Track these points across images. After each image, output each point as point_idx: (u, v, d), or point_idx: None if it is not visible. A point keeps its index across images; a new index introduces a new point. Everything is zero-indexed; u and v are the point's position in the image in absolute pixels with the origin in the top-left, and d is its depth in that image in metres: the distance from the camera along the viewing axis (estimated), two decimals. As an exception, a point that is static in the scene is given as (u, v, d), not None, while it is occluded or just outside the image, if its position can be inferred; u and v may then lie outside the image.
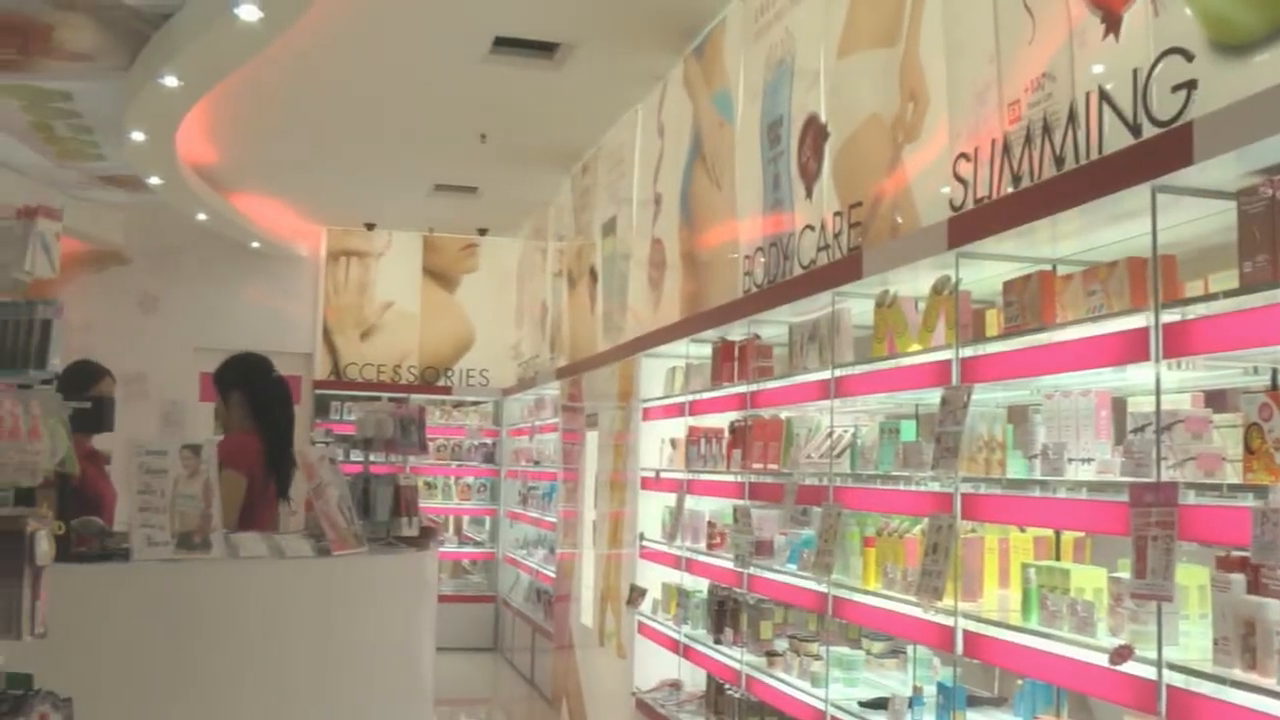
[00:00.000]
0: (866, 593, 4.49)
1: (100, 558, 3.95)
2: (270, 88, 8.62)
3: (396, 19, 7.42)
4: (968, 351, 3.93)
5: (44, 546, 2.82)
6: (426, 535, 4.94)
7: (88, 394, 5.20)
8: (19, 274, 3.00)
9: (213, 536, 4.02)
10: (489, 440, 13.55)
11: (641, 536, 7.25)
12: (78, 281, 12.98)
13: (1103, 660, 3.09)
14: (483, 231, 13.88)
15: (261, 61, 7.53)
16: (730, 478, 5.94)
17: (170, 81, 7.84)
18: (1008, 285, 3.75)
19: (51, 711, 2.87)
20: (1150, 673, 2.96)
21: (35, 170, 11.55)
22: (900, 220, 4.70)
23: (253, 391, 5.16)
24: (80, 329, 11.83)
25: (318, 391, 13.60)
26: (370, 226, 13.81)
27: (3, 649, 2.86)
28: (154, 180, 10.73)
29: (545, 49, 7.80)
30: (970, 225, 3.85)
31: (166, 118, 8.79)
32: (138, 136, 9.30)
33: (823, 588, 4.78)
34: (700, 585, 6.47)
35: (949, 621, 3.86)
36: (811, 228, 5.38)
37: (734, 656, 5.70)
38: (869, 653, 5.02)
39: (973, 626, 3.78)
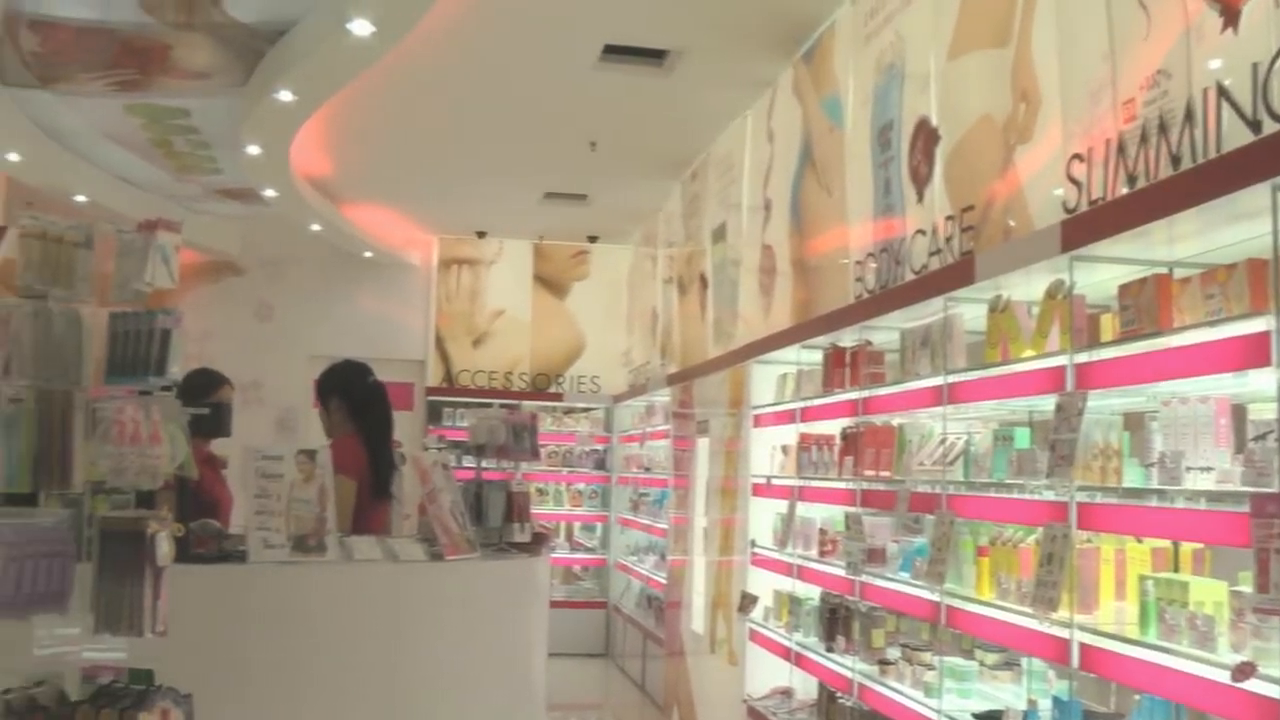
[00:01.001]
0: (980, 603, 4.42)
1: (218, 559, 4.04)
2: (382, 99, 8.75)
3: (507, 29, 7.48)
4: (1082, 357, 3.85)
5: (164, 548, 2.89)
6: (538, 541, 4.96)
7: (207, 400, 5.31)
8: (140, 285, 3.08)
9: (327, 539, 4.09)
10: (600, 447, 13.58)
11: (753, 543, 7.22)
12: (196, 292, 13.31)
13: (1224, 677, 2.99)
14: (593, 239, 13.94)
15: (373, 74, 7.65)
16: (842, 484, 5.89)
17: (285, 96, 8.00)
18: (1123, 289, 3.67)
19: (172, 707, 2.94)
20: (1274, 691, 2.86)
21: (155, 185, 11.86)
22: (1013, 223, 4.63)
23: (350, 397, 5.24)
24: (198, 338, 12.12)
25: (430, 398, 13.75)
26: (481, 235, 13.94)
27: (126, 645, 2.94)
28: (269, 192, 10.97)
29: (655, 56, 7.82)
30: (1084, 228, 3.78)
31: (281, 131, 8.98)
32: (253, 150, 9.50)
33: (935, 597, 4.72)
34: (812, 592, 6.42)
35: (1064, 634, 3.77)
36: (923, 232, 5.32)
37: (846, 665, 5.65)
38: (983, 664, 4.93)
39: (1089, 639, 3.69)
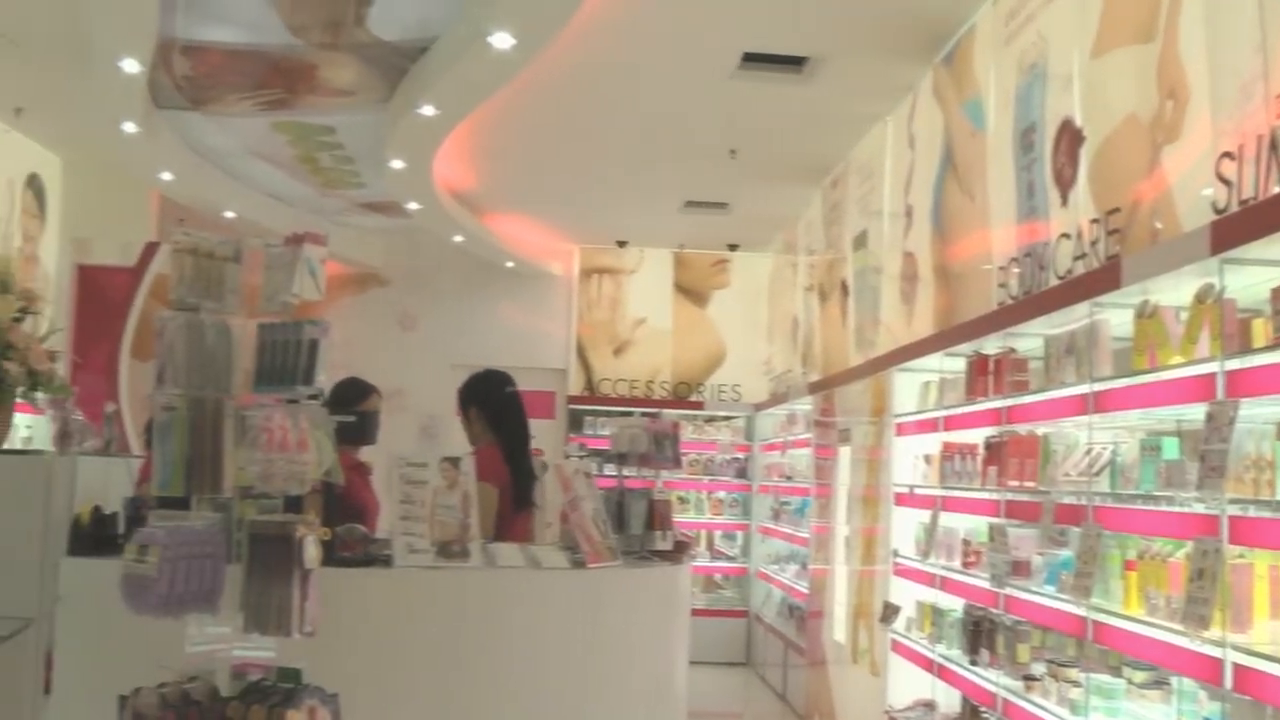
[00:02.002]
0: (1128, 618, 4.29)
1: (364, 563, 4.14)
2: (523, 111, 8.86)
3: (646, 38, 7.53)
4: (1233, 364, 3.72)
5: (312, 551, 2.98)
6: (680, 549, 4.97)
7: (355, 409, 5.44)
8: (288, 296, 3.17)
9: (471, 545, 4.17)
10: (741, 455, 13.54)
11: (895, 553, 7.14)
12: (341, 302, 13.63)
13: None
14: (733, 247, 13.93)
15: (514, 86, 7.76)
16: (985, 495, 5.79)
17: (428, 111, 8.17)
18: (1276, 292, 3.54)
19: (319, 705, 3.02)
20: None
21: (301, 200, 12.20)
22: (1160, 225, 4.51)
23: (488, 406, 5.32)
24: (344, 347, 12.39)
25: (572, 407, 13.87)
26: (622, 244, 14.02)
27: (275, 644, 3.03)
28: (412, 205, 11.20)
29: (794, 63, 7.80)
30: (1235, 229, 3.66)
31: (424, 145, 9.17)
32: (397, 164, 9.71)
33: (1082, 611, 4.60)
34: (955, 604, 6.32)
35: (1217, 653, 3.64)
36: (1067, 236, 5.22)
37: (990, 679, 5.54)
38: (1130, 682, 4.79)
39: (1243, 660, 3.54)
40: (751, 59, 7.74)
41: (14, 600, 3.72)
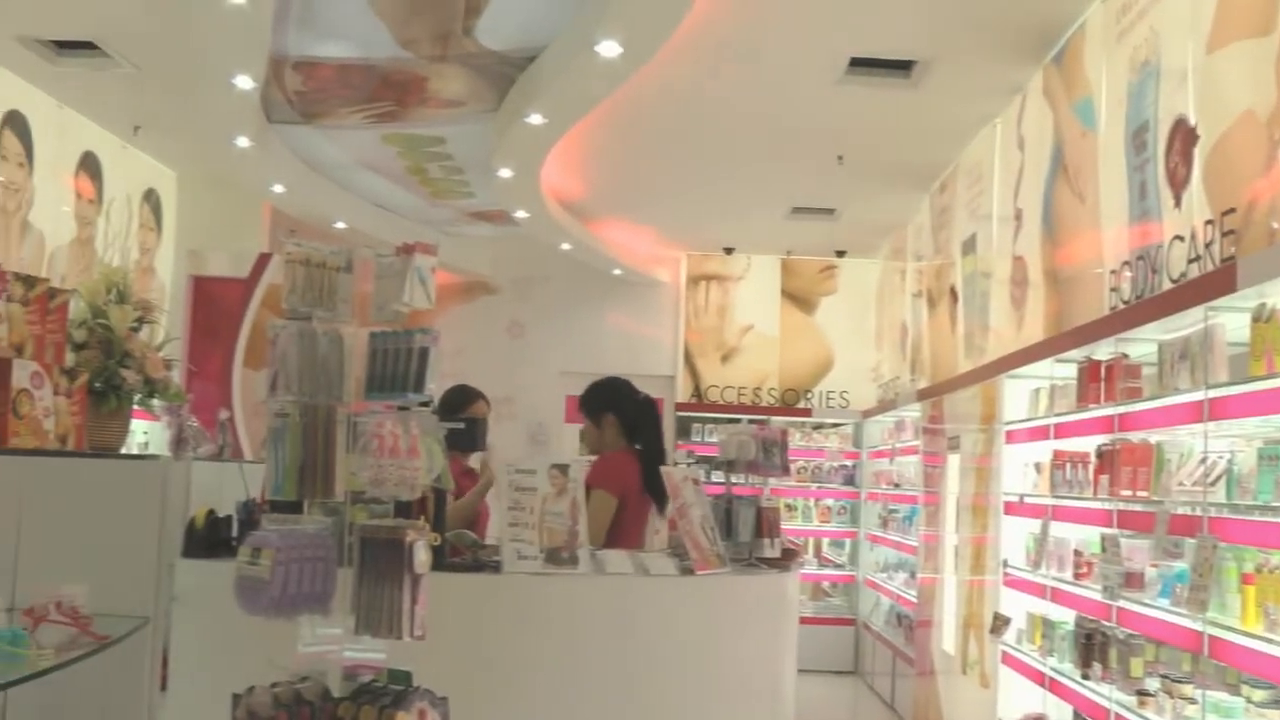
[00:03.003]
0: (1246, 634, 4.18)
1: (473, 568, 4.18)
2: (629, 118, 8.90)
3: (752, 45, 7.52)
4: (1357, 369, 3.63)
5: (422, 556, 3.02)
6: (788, 557, 4.95)
7: (462, 415, 5.51)
8: (399, 305, 3.22)
9: (580, 552, 4.19)
10: (849, 462, 13.46)
11: (1005, 563, 7.04)
12: (451, 311, 13.81)
13: None
14: (841, 253, 13.85)
15: (621, 93, 7.79)
16: (1097, 504, 5.68)
17: (535, 120, 8.24)
18: (1402, 296, 3.45)
19: (429, 708, 3.06)
20: None
21: (411, 210, 12.39)
22: (1278, 226, 4.40)
23: (624, 413, 5.36)
24: (453, 355, 12.55)
25: (679, 414, 13.87)
26: (729, 251, 14.02)
27: (385, 647, 3.08)
28: (520, 214, 11.29)
29: (901, 67, 7.74)
30: (1358, 231, 3.57)
31: (532, 154, 9.25)
32: (505, 174, 9.81)
33: (1198, 626, 4.49)
34: (1066, 616, 6.20)
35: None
36: (1181, 238, 5.11)
37: (1102, 694, 5.43)
38: (1249, 700, 4.65)
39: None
40: (859, 63, 7.70)
41: (132, 600, 3.81)
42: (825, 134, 9.23)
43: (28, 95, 8.93)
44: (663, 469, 4.91)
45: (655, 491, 5.15)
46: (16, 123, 8.86)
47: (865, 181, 10.51)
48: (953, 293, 9.58)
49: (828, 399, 13.97)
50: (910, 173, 10.19)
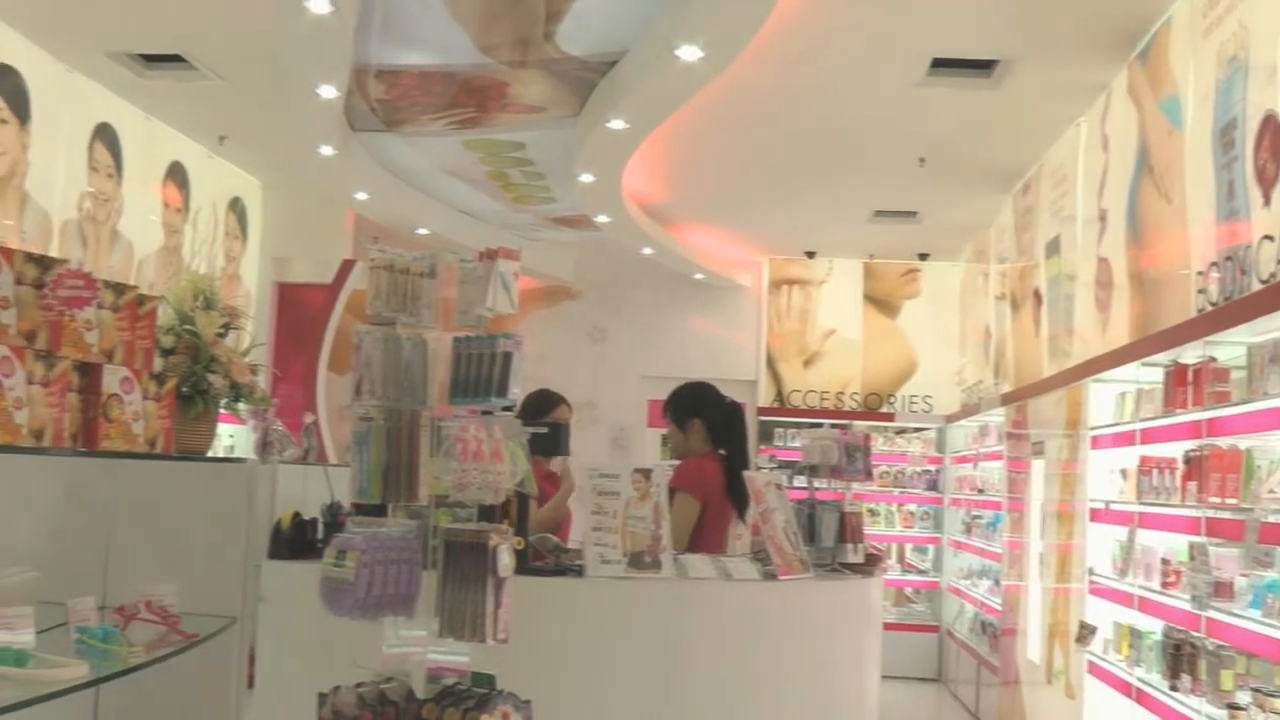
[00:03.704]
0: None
1: (556, 572, 4.21)
2: (710, 122, 8.89)
3: (833, 47, 7.49)
4: None
5: (505, 559, 3.04)
6: (871, 562, 4.92)
7: (545, 420, 5.55)
8: (482, 310, 3.24)
9: (663, 556, 4.20)
10: (932, 468, 13.35)
11: (1090, 571, 6.94)
12: (533, 316, 13.89)
13: None
14: (923, 256, 13.74)
15: (701, 97, 7.79)
16: (1185, 512, 5.57)
17: (617, 124, 8.26)
18: None
19: (513, 711, 3.08)
20: None
21: (493, 215, 12.47)
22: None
23: (711, 418, 5.37)
24: (536, 360, 12.56)
25: (761, 418, 13.85)
26: (811, 255, 13.97)
27: (469, 650, 3.11)
28: (602, 219, 11.33)
29: (983, 67, 7.66)
30: None
31: (613, 159, 9.27)
32: (587, 179, 9.84)
33: (1290, 635, 4.41)
34: (1154, 626, 6.09)
35: None
36: (1270, 238, 4.99)
37: (1191, 706, 5.31)
38: (1345, 711, 4.57)
39: None
40: (940, 64, 7.63)
41: (219, 599, 3.88)
42: (907, 136, 9.16)
43: (117, 108, 9.13)
44: (745, 473, 4.91)
45: (738, 496, 5.16)
46: (106, 135, 9.07)
47: (947, 183, 10.41)
48: (1036, 295, 9.46)
49: (910, 403, 13.87)
50: (993, 174, 10.08)
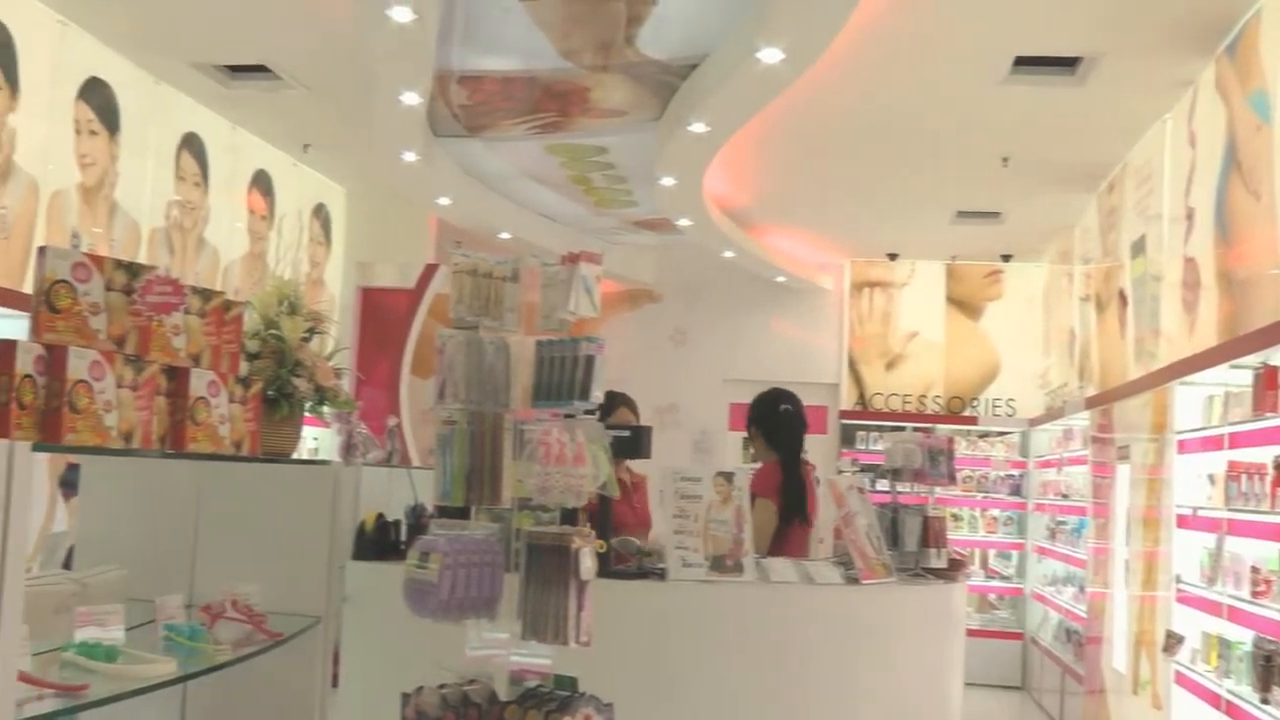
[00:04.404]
0: None
1: (638, 575, 4.21)
2: (791, 124, 8.85)
3: (914, 47, 7.43)
4: None
5: (587, 562, 3.05)
6: (955, 568, 4.88)
7: (606, 421, 5.57)
8: (564, 314, 3.25)
9: (745, 560, 4.19)
10: (1016, 472, 13.19)
11: (1177, 579, 6.81)
12: (616, 319, 13.92)
13: None
14: (1006, 258, 13.58)
15: (782, 99, 7.76)
16: (1276, 519, 5.46)
17: (698, 128, 8.25)
18: None
19: (595, 714, 3.08)
20: None
21: (574, 219, 12.52)
22: None
23: (763, 424, 5.42)
24: (618, 362, 12.58)
25: (843, 421, 13.79)
26: (893, 257, 13.87)
27: (551, 652, 3.12)
28: (683, 222, 11.33)
29: (1067, 64, 7.55)
30: None
31: (695, 162, 9.26)
32: (668, 182, 9.84)
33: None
34: (1244, 636, 5.95)
35: None
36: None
37: (1284, 717, 5.22)
38: None
39: None
40: (1023, 62, 7.54)
41: (304, 599, 3.93)
42: (990, 135, 9.07)
43: (203, 118, 9.30)
44: (829, 478, 4.91)
45: (791, 503, 5.15)
46: (193, 144, 9.23)
47: (1031, 183, 10.29)
48: (1121, 296, 9.31)
49: (994, 407, 13.71)
50: (1077, 173, 9.94)
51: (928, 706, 4.51)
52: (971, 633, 7.64)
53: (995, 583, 13.08)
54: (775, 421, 5.45)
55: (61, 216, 7.63)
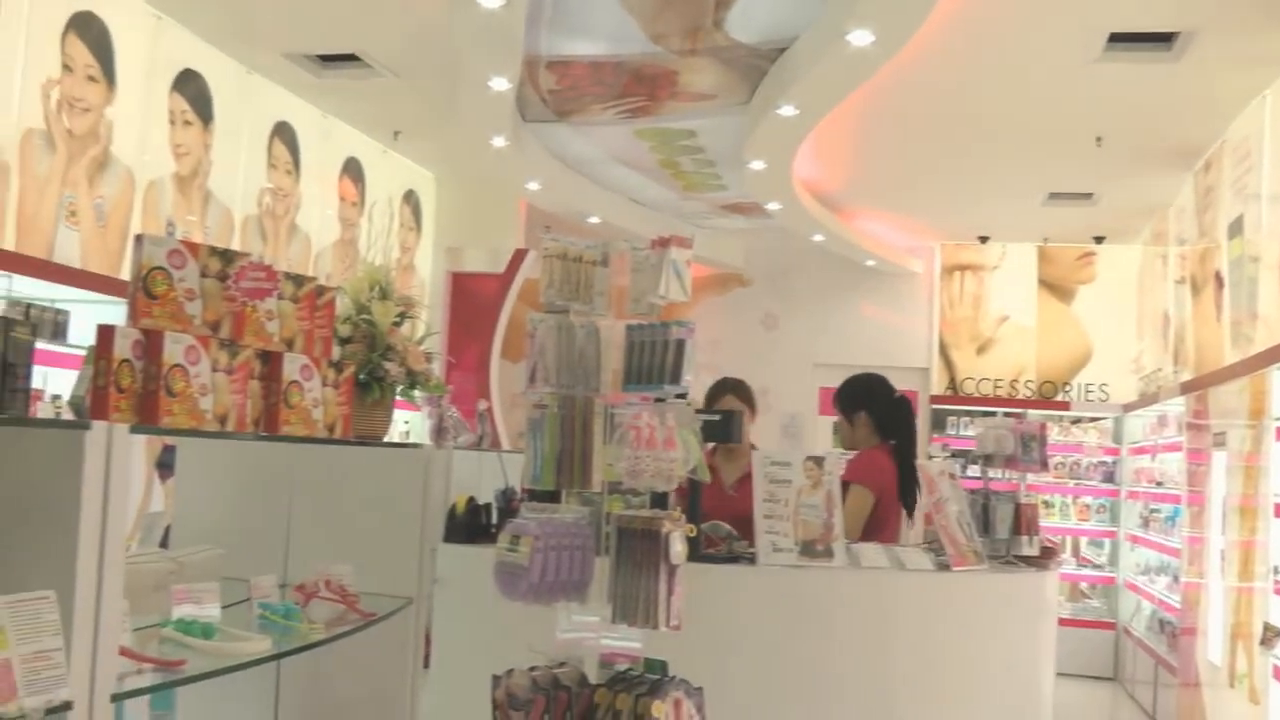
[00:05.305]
0: None
1: (728, 560, 4.20)
2: (881, 107, 8.78)
3: (1005, 26, 7.32)
4: None
5: (678, 547, 3.04)
6: (1047, 555, 4.82)
7: (712, 408, 5.56)
8: (654, 298, 3.24)
9: (835, 545, 4.17)
10: (1109, 459, 12.98)
11: (1276, 570, 6.66)
12: (705, 303, 13.93)
13: None
14: (1099, 240, 13.35)
15: (872, 81, 7.69)
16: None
17: (787, 111, 8.21)
18: None
19: (684, 698, 3.08)
20: None
21: (663, 204, 12.51)
22: None
23: (878, 410, 5.33)
24: (708, 347, 12.64)
25: (934, 406, 13.66)
26: (984, 240, 13.71)
27: (641, 636, 3.12)
28: (772, 206, 11.28)
29: (1163, 40, 7.38)
30: None
31: (784, 146, 9.22)
32: (757, 166, 9.81)
33: None
34: (1348, 626, 5.84)
35: None
36: None
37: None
38: None
39: None
40: (1117, 39, 7.39)
41: (395, 581, 3.97)
42: (1083, 115, 8.91)
43: (294, 107, 9.43)
44: (919, 463, 4.85)
45: (908, 493, 5.10)
46: (285, 133, 9.36)
47: (1125, 163, 10.10)
48: (1218, 278, 9.11)
49: (1086, 392, 13.50)
50: (1172, 152, 9.73)
51: (1018, 696, 4.45)
52: (1063, 622, 7.55)
53: (1087, 571, 12.89)
54: (894, 409, 5.38)
55: (157, 205, 7.78)
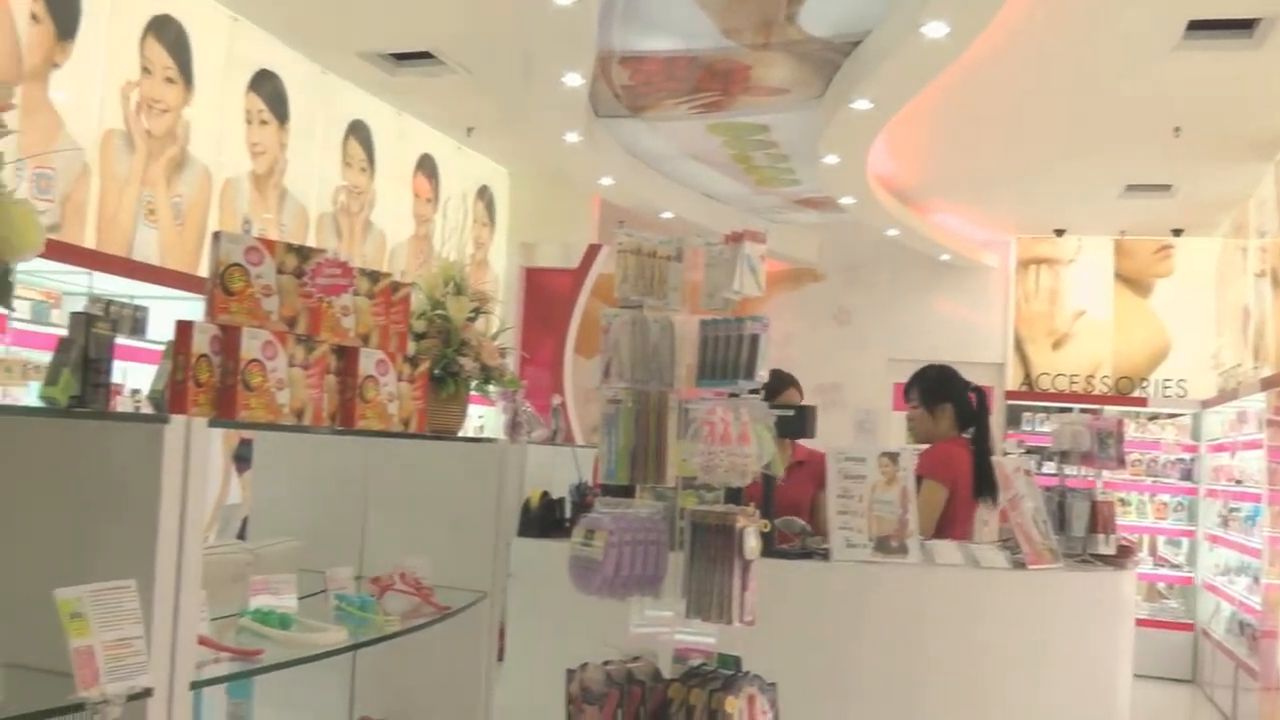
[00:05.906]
0: None
1: (801, 555, 4.19)
2: (955, 99, 8.69)
3: (1081, 16, 7.21)
4: None
5: (752, 542, 3.04)
6: (1123, 554, 4.75)
7: (774, 401, 5.52)
8: (728, 293, 3.24)
9: (909, 541, 4.14)
10: (1187, 456, 12.76)
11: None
12: (779, 298, 13.90)
13: None
14: (1177, 232, 13.12)
15: (946, 74, 7.63)
16: None
17: (862, 105, 8.17)
18: None
19: (758, 694, 3.07)
20: None
21: (736, 199, 12.50)
22: None
23: (961, 403, 5.28)
24: (781, 342, 12.59)
25: (1009, 402, 13.52)
26: (1059, 233, 13.53)
27: (715, 631, 3.11)
28: (846, 200, 11.23)
29: (1243, 27, 7.23)
30: None
31: (858, 140, 9.17)
32: (831, 160, 9.77)
33: None
34: None
35: None
36: None
37: None
38: None
39: None
40: (1197, 26, 7.25)
41: (470, 574, 3.98)
42: (1161, 105, 8.77)
43: (369, 105, 9.53)
44: (994, 459, 4.80)
45: (986, 484, 5.04)
46: (359, 131, 9.47)
47: (1204, 154, 9.93)
48: (1302, 273, 8.94)
49: (1164, 388, 13.30)
50: (1253, 142, 9.54)
51: (1094, 697, 4.39)
52: (1140, 622, 7.40)
53: (1165, 571, 12.68)
54: (973, 403, 5.33)
55: (233, 203, 7.90)
